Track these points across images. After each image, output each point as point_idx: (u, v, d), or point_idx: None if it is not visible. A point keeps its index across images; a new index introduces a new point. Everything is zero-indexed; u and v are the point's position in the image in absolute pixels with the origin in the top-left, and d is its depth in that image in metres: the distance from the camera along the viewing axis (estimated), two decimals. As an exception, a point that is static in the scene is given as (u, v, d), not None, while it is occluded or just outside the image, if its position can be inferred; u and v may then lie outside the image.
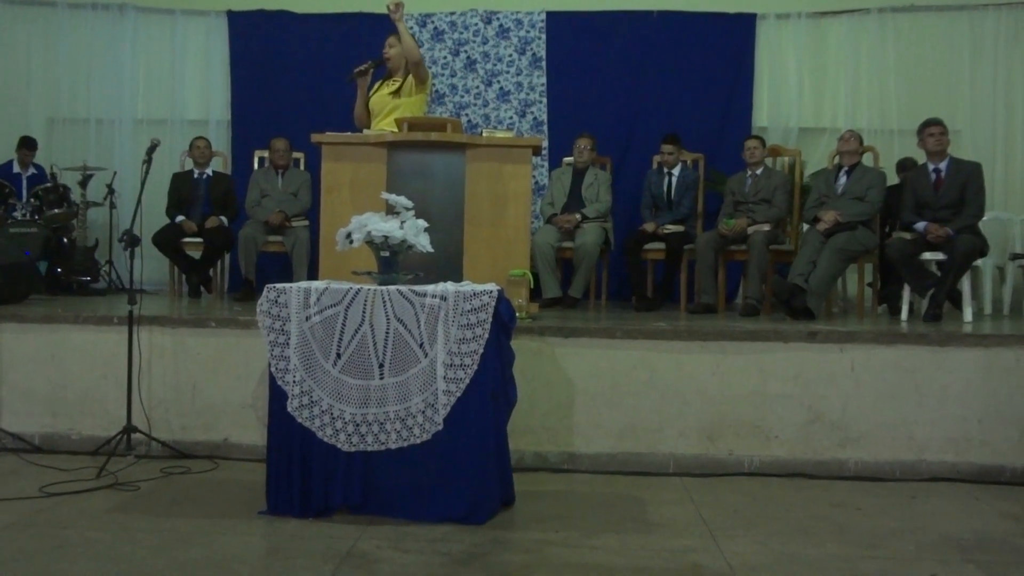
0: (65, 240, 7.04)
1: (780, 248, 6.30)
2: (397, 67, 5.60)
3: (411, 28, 7.65)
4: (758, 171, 6.48)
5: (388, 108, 5.53)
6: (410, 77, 5.52)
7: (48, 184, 7.24)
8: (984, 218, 5.75)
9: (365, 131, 5.29)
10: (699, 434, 4.55)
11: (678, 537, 3.48)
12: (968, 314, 5.58)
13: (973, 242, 5.47)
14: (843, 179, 6.01)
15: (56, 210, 7.07)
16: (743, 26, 7.77)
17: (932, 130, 5.71)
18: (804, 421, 4.53)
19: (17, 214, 6.86)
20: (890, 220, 6.47)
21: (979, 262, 5.94)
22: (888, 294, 6.37)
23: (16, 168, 7.63)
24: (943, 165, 5.71)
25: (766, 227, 6.15)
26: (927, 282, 5.56)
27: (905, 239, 5.65)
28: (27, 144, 7.63)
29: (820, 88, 7.85)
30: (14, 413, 4.78)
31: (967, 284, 5.62)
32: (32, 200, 7.07)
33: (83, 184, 7.21)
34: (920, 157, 6.09)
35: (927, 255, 5.62)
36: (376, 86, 5.71)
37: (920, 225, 5.61)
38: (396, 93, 5.53)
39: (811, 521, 3.73)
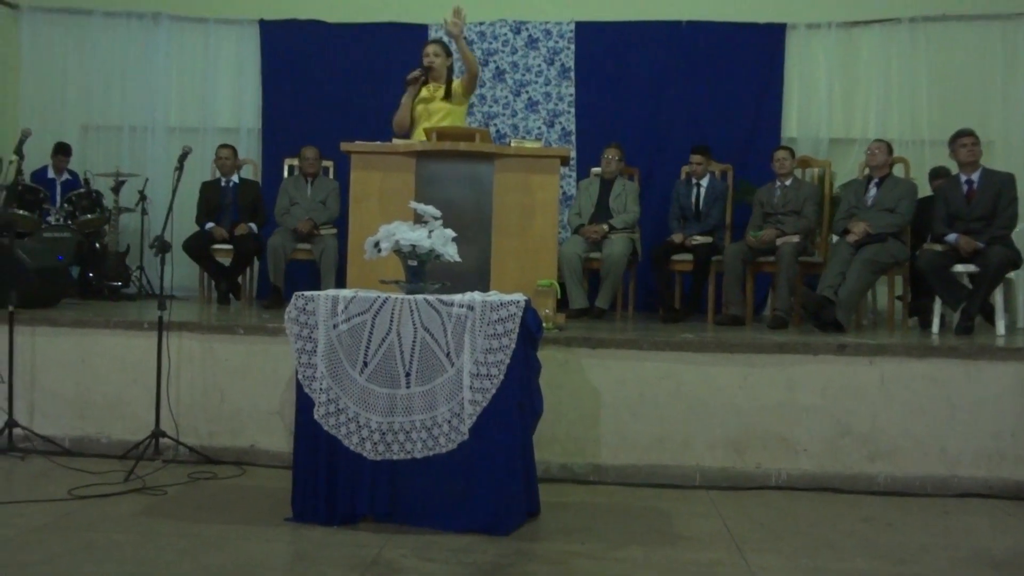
0: (97, 245, 7.13)
1: (809, 260, 6.26)
2: (439, 75, 5.62)
3: (440, 38, 7.69)
4: (787, 182, 6.44)
5: (442, 113, 5.53)
6: (455, 84, 5.55)
7: (81, 190, 7.33)
8: (1017, 229, 5.68)
9: (396, 140, 5.30)
10: (726, 447, 4.51)
11: (704, 550, 3.45)
12: (1001, 327, 5.51)
13: (1005, 254, 5.41)
14: (873, 190, 5.96)
15: (89, 216, 7.16)
16: (773, 36, 7.74)
17: (964, 140, 5.66)
18: (833, 434, 4.48)
19: (51, 219, 6.95)
20: (922, 231, 6.39)
21: (1012, 274, 5.85)
22: (919, 307, 6.30)
23: (51, 174, 7.74)
24: (975, 176, 5.65)
25: (795, 238, 6.11)
26: (959, 295, 5.49)
27: (936, 251, 5.59)
28: (62, 150, 7.74)
29: (851, 98, 7.80)
30: (45, 416, 4.84)
31: (1000, 297, 5.55)
32: (66, 205, 7.17)
33: (116, 190, 7.30)
34: (953, 168, 6.03)
35: (959, 267, 5.55)
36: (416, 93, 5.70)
37: (951, 237, 5.55)
38: (447, 98, 5.55)
39: (840, 536, 3.69)
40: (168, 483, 4.17)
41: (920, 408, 4.46)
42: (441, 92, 5.58)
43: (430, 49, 5.62)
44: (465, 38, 6.41)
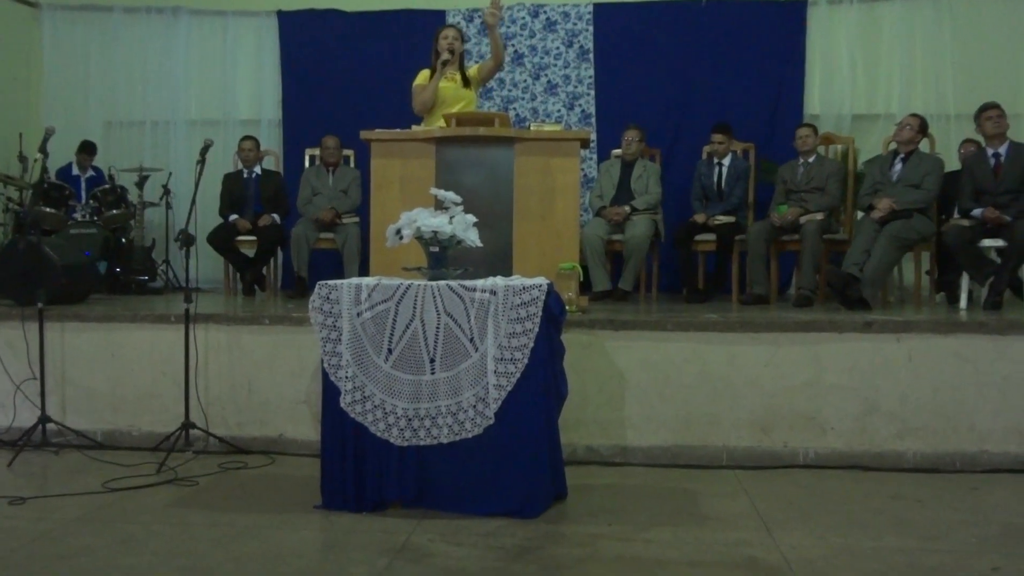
0: (123, 240, 7.20)
1: (834, 237, 6.21)
2: (454, 61, 5.61)
3: (458, 22, 7.68)
4: (810, 159, 6.40)
5: (464, 99, 5.53)
6: (471, 71, 5.57)
7: (106, 186, 7.41)
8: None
9: (415, 128, 5.29)
10: (753, 426, 4.50)
11: (733, 530, 3.45)
12: (1030, 301, 5.46)
13: (1034, 228, 5.34)
14: (898, 166, 5.89)
15: (114, 211, 7.24)
16: (794, 12, 7.67)
17: (990, 113, 5.60)
18: (860, 412, 4.46)
19: (77, 215, 7.03)
20: (948, 206, 6.32)
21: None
22: (946, 282, 6.24)
23: (75, 170, 7.82)
24: (1003, 149, 5.59)
25: (819, 216, 6.06)
26: (986, 269, 5.44)
27: (963, 226, 5.53)
28: (86, 149, 7.81)
29: (874, 74, 7.71)
30: (78, 411, 4.90)
31: (1028, 271, 5.49)
32: (91, 202, 7.25)
33: (140, 185, 7.37)
34: (982, 142, 5.95)
35: (986, 242, 5.49)
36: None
37: (977, 211, 5.49)
38: (467, 86, 5.55)
39: (869, 514, 3.67)
40: (199, 474, 4.22)
41: (948, 384, 4.43)
42: (458, 78, 5.56)
43: (450, 33, 5.57)
44: (483, 22, 6.42)
